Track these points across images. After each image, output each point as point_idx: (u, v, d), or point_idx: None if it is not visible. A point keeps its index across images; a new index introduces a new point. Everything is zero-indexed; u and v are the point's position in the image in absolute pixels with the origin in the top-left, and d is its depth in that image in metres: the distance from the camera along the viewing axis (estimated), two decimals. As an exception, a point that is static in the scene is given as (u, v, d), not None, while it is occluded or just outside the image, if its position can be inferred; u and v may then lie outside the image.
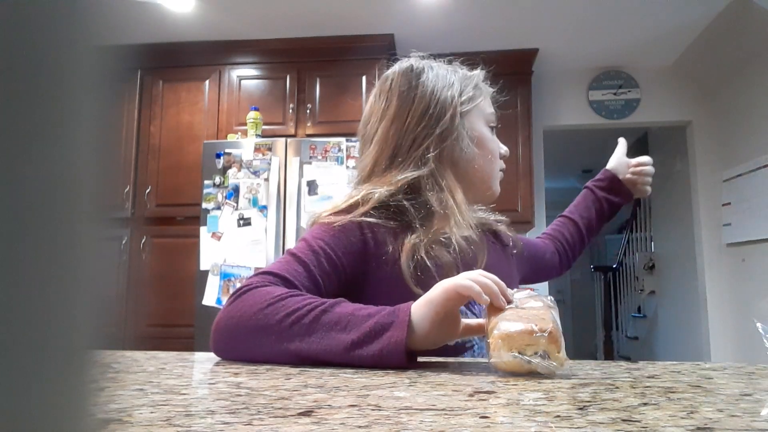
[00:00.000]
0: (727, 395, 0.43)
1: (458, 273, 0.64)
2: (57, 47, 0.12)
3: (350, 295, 0.68)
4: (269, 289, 0.66)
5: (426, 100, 0.86)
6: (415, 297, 0.64)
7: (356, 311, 0.62)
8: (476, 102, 0.90)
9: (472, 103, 0.89)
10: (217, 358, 0.69)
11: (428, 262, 0.75)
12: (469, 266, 0.73)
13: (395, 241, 0.77)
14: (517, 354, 0.52)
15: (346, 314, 0.62)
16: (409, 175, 0.82)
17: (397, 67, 0.93)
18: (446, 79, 0.90)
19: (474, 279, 0.60)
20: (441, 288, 0.62)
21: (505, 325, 0.55)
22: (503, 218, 1.00)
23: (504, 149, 0.94)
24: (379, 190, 0.80)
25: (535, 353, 0.52)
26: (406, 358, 0.58)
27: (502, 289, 0.61)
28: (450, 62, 0.95)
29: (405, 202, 0.80)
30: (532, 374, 0.52)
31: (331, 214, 0.79)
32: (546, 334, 0.52)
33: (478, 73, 0.94)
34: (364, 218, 0.77)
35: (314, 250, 0.74)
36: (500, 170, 0.93)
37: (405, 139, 0.85)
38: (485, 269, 0.66)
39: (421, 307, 0.61)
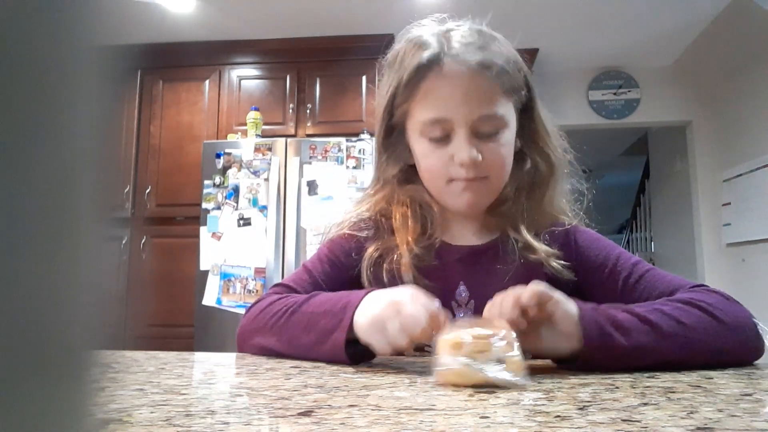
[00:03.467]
0: (727, 395, 0.43)
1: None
2: (57, 47, 0.12)
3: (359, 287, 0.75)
4: (271, 297, 0.74)
5: (379, 107, 0.79)
6: None
7: (318, 308, 0.66)
8: (405, 108, 0.74)
9: (401, 109, 0.75)
10: (218, 359, 0.69)
11: (383, 275, 0.75)
12: (426, 278, 0.73)
13: (364, 252, 0.78)
14: (466, 360, 0.46)
15: (308, 313, 0.66)
16: (377, 196, 0.82)
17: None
18: (389, 77, 0.77)
19: (404, 314, 0.57)
20: (384, 304, 0.60)
21: (454, 330, 0.50)
22: (526, 239, 0.76)
23: (460, 157, 0.71)
24: (357, 212, 0.83)
25: (489, 361, 0.46)
26: (348, 359, 0.61)
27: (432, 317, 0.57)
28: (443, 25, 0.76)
29: (380, 217, 0.81)
30: (483, 387, 0.45)
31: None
32: (501, 337, 0.48)
33: (410, 67, 0.72)
34: (347, 231, 0.81)
35: (320, 258, 0.81)
36: (456, 180, 0.73)
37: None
38: (470, 287, 0.69)
39: (365, 313, 0.61)
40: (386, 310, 0.58)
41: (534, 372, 0.51)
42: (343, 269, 0.79)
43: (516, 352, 0.47)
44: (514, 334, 0.49)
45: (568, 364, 0.59)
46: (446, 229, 0.79)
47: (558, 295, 0.59)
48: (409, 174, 0.80)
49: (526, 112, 0.78)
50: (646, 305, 0.63)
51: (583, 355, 0.57)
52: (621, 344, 0.57)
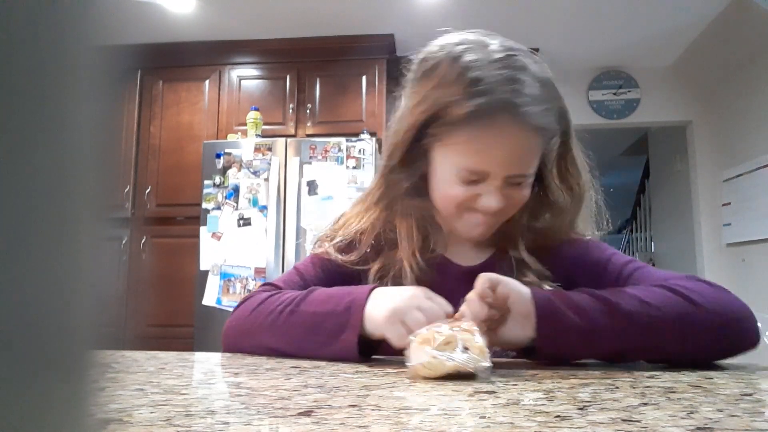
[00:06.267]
0: (727, 395, 0.43)
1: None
2: (57, 47, 0.12)
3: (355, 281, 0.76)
4: (261, 295, 0.73)
5: (400, 108, 0.75)
6: None
7: (319, 307, 0.66)
8: (442, 138, 0.69)
9: (436, 135, 0.70)
10: (218, 359, 0.69)
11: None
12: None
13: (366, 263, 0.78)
14: (434, 352, 0.50)
15: (309, 313, 0.66)
16: (380, 204, 0.80)
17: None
18: (424, 82, 0.71)
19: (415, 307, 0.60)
20: (403, 297, 0.62)
21: (422, 331, 0.54)
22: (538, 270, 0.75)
23: (487, 203, 0.69)
24: (353, 227, 0.80)
25: (455, 350, 0.50)
26: (360, 357, 0.62)
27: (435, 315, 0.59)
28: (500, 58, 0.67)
29: (381, 231, 0.80)
30: (454, 377, 0.49)
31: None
32: (464, 328, 0.52)
33: (465, 104, 0.65)
34: (332, 253, 0.81)
35: (312, 260, 0.82)
36: (473, 213, 0.72)
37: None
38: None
39: (380, 306, 0.62)
40: (407, 302, 0.60)
41: (531, 371, 0.51)
42: (335, 274, 0.79)
43: (478, 339, 0.51)
44: (475, 325, 0.53)
45: (531, 356, 0.61)
46: (447, 244, 0.80)
47: (508, 279, 0.61)
48: (419, 185, 0.76)
49: (561, 155, 0.75)
50: (612, 289, 0.62)
51: (539, 336, 0.58)
52: (576, 323, 0.57)
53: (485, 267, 0.75)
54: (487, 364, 0.49)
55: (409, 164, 0.74)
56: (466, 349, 0.50)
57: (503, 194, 0.69)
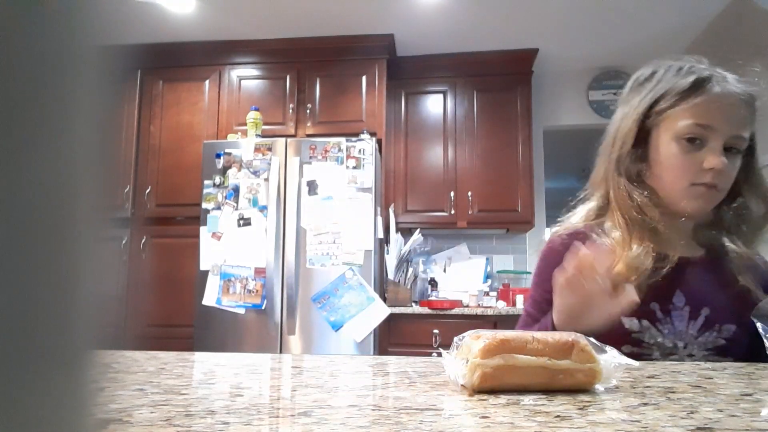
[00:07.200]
0: (727, 395, 0.43)
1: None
2: (57, 47, 0.12)
3: None
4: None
5: (618, 114, 0.92)
6: None
7: None
8: (667, 113, 0.85)
9: (661, 113, 0.86)
10: (217, 358, 0.69)
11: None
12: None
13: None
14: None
15: None
16: (598, 192, 0.93)
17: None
18: (642, 88, 0.89)
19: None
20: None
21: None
22: (743, 251, 0.88)
23: (712, 162, 0.81)
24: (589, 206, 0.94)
25: None
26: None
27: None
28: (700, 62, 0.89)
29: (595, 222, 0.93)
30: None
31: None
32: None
33: (682, 82, 0.85)
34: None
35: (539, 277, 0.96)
36: (698, 184, 0.83)
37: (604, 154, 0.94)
38: (686, 294, 0.83)
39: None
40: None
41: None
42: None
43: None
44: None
45: None
46: (660, 238, 0.86)
47: None
48: (637, 179, 0.88)
49: (747, 158, 0.87)
50: None
51: None
52: None
53: (701, 260, 0.87)
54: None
55: (635, 149, 0.88)
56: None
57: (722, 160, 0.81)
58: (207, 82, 3.29)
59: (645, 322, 0.81)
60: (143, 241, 3.11)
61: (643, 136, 0.88)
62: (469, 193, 3.23)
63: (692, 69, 0.86)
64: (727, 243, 0.88)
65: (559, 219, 0.98)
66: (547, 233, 1.13)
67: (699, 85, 0.83)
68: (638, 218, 0.85)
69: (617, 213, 0.87)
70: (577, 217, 0.95)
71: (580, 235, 0.87)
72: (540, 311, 0.86)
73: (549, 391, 0.45)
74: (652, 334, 0.81)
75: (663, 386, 0.46)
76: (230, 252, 2.69)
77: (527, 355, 0.46)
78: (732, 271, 0.86)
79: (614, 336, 0.78)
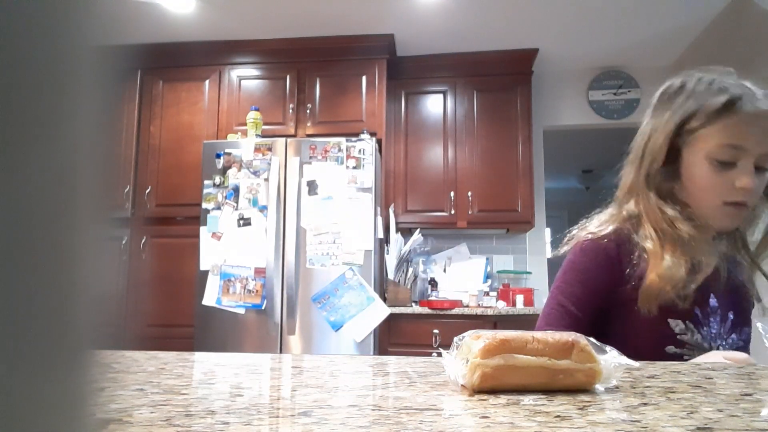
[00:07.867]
0: (727, 395, 0.43)
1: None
2: (57, 47, 0.12)
3: None
4: None
5: (647, 127, 0.93)
6: None
7: None
8: (699, 132, 0.86)
9: (693, 132, 0.87)
10: (218, 358, 0.69)
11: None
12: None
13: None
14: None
15: None
16: (628, 205, 0.93)
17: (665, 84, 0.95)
18: (672, 102, 0.90)
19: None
20: None
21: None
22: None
23: (744, 181, 0.84)
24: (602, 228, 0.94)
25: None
26: None
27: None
28: (730, 75, 0.89)
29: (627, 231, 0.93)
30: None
31: None
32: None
33: (714, 101, 0.85)
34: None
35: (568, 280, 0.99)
36: (730, 203, 0.86)
37: (635, 164, 0.95)
38: (718, 298, 0.88)
39: None
40: None
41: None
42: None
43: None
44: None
45: None
46: (692, 248, 0.87)
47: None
48: (668, 194, 0.90)
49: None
50: None
51: None
52: None
53: (721, 265, 0.89)
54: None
55: (666, 167, 0.90)
56: None
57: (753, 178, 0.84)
58: (207, 82, 3.29)
59: (690, 324, 0.86)
60: (143, 241, 3.11)
61: (673, 152, 0.89)
62: (469, 193, 3.23)
63: (723, 86, 0.86)
64: (742, 246, 0.93)
65: (571, 228, 0.99)
66: (548, 233, 1.14)
67: (730, 105, 0.84)
68: (669, 231, 0.86)
69: (648, 225, 0.89)
70: (597, 222, 0.96)
71: (623, 236, 0.90)
72: (580, 309, 0.88)
73: (549, 391, 0.45)
74: (695, 336, 0.86)
75: (663, 386, 0.46)
76: (230, 252, 2.69)
77: (527, 355, 0.46)
78: (737, 274, 0.91)
79: (661, 337, 0.84)
